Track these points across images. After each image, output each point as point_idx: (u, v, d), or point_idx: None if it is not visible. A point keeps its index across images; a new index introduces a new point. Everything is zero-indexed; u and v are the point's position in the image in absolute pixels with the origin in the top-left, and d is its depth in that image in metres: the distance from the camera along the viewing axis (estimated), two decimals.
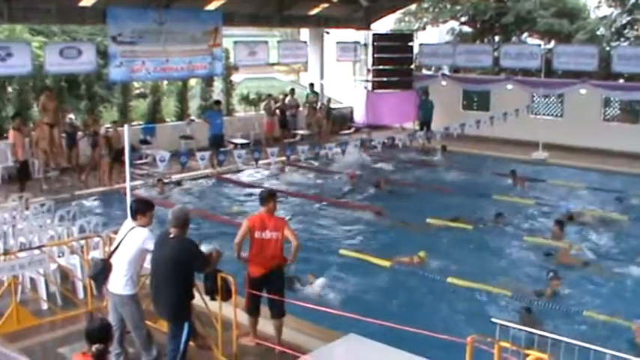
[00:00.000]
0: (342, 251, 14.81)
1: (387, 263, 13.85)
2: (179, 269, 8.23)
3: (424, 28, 37.39)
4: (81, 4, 22.34)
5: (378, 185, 20.71)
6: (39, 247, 11.18)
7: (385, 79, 31.40)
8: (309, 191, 20.71)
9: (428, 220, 17.08)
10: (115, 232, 10.49)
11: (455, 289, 12.73)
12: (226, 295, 8.95)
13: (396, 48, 31.50)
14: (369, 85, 31.51)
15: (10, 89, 24.54)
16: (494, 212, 17.40)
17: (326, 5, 29.48)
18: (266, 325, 10.08)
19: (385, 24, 34.76)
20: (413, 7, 35.90)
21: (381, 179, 20.97)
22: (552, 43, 31.53)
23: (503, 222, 16.96)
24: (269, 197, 9.76)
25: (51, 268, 11.47)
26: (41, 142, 20.07)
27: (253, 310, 9.76)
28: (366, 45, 31.96)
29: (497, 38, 36.03)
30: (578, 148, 26.01)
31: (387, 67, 31.44)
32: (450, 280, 13.00)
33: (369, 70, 31.74)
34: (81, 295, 11.63)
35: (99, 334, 6.56)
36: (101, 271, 8.61)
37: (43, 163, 20.07)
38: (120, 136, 19.57)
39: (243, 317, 9.87)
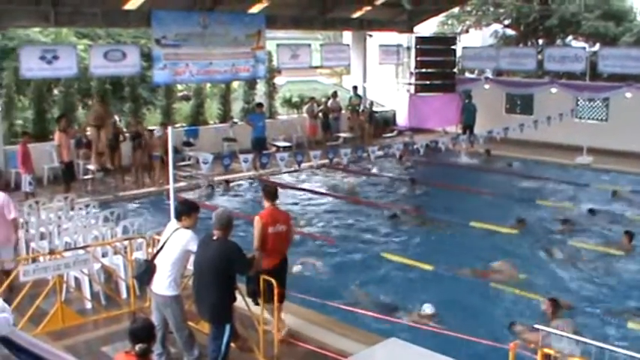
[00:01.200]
0: (383, 254, 14.75)
1: (429, 267, 13.77)
2: (221, 271, 8.26)
3: (467, 31, 37.15)
4: (126, 7, 22.54)
5: (413, 182, 21.06)
6: (84, 247, 11.31)
7: (428, 82, 31.31)
8: (350, 193, 20.68)
9: (471, 224, 16.95)
10: (159, 234, 10.59)
11: (498, 293, 12.62)
12: (268, 298, 8.96)
13: (438, 51, 31.41)
14: (412, 89, 31.44)
15: (55, 91, 24.84)
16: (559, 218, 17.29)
17: (369, 8, 29.43)
18: (303, 325, 10.10)
19: (428, 27, 34.65)
20: (456, 10, 35.70)
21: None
22: (597, 46, 31.09)
23: (570, 229, 16.66)
24: (276, 192, 10.25)
25: (95, 268, 11.60)
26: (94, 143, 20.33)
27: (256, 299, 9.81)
28: (408, 48, 31.84)
29: (540, 41, 35.64)
30: (624, 153, 25.65)
31: (429, 70, 31.34)
32: (493, 284, 12.88)
33: (411, 74, 31.66)
34: (124, 295, 11.74)
35: (142, 333, 6.61)
36: (145, 272, 8.69)
37: (97, 164, 20.25)
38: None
39: (286, 320, 9.90)
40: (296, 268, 13.36)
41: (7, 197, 12.20)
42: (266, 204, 10.06)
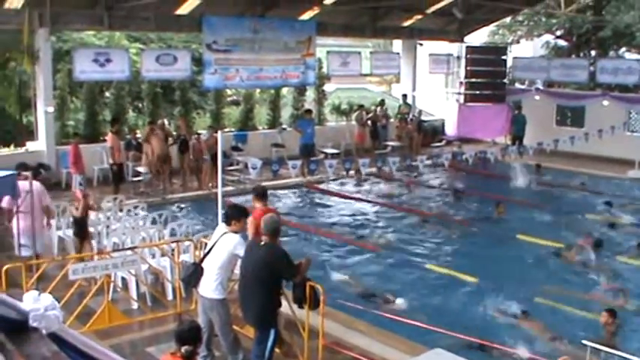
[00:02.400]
0: (428, 265, 14.66)
1: (473, 279, 13.63)
2: (268, 276, 8.27)
3: (518, 42, 36.92)
4: (178, 12, 22.78)
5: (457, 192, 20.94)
6: (132, 249, 11.42)
7: (477, 92, 31.12)
8: (397, 202, 20.60)
9: (517, 236, 16.75)
10: (206, 237, 10.65)
11: (543, 307, 12.43)
12: (314, 304, 8.96)
13: (489, 61, 31.19)
14: (461, 98, 31.26)
15: (107, 94, 25.14)
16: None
17: (419, 17, 29.38)
18: (347, 333, 10.07)
19: (479, 37, 34.48)
20: (507, 19, 35.46)
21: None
22: None
23: None
24: (266, 192, 10.77)
25: (142, 269, 11.69)
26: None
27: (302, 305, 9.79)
28: (459, 57, 31.69)
29: (593, 53, 35.25)
30: None
31: (479, 80, 31.13)
32: (538, 299, 12.70)
33: (461, 83, 31.48)
34: (170, 296, 11.82)
35: (188, 335, 6.66)
36: (193, 275, 8.74)
37: (154, 168, 20.42)
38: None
39: (330, 327, 9.89)
40: (338, 276, 13.38)
41: (42, 186, 12.97)
42: (257, 204, 10.45)
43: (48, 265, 11.14)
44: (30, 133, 21.63)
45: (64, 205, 15.27)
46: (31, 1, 19.39)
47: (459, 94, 31.48)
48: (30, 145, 20.97)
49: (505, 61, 31.71)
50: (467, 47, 31.28)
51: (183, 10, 22.71)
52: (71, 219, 13.33)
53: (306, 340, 9.23)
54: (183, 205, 19.31)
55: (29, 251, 12.34)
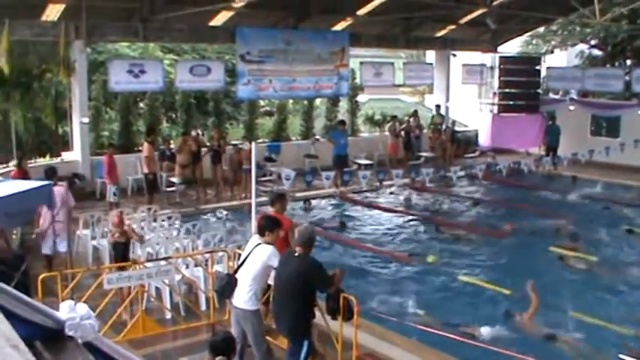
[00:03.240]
0: (460, 277, 14.54)
1: (506, 291, 13.50)
2: (302, 287, 8.25)
3: (552, 51, 36.64)
4: (211, 23, 22.93)
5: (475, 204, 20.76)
6: (166, 259, 11.46)
7: (511, 102, 30.93)
8: (431, 214, 20.50)
9: (550, 248, 16.57)
10: (240, 248, 10.67)
11: (577, 322, 12.22)
12: (348, 316, 8.92)
13: (523, 71, 31.01)
14: (495, 109, 31.10)
15: (141, 104, 25.32)
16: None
17: (453, 27, 29.32)
18: (380, 344, 10.03)
19: (512, 46, 34.31)
20: (541, 29, 35.20)
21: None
22: None
23: None
24: (277, 199, 10.51)
25: (176, 279, 11.73)
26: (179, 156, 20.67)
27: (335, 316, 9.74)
28: (492, 68, 31.57)
29: (629, 62, 34.87)
30: None
31: (513, 90, 30.94)
32: (573, 313, 12.51)
33: (494, 93, 31.34)
34: (203, 307, 11.83)
35: (222, 346, 6.65)
36: (227, 285, 8.75)
37: (180, 177, 20.55)
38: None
39: (364, 338, 9.84)
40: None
41: (65, 189, 13.34)
42: (270, 208, 10.62)
43: (83, 275, 11.21)
44: (65, 144, 21.84)
45: (99, 215, 15.38)
46: (68, 14, 19.63)
47: (493, 104, 31.33)
48: (65, 155, 21.17)
49: (539, 71, 31.53)
50: (500, 57, 31.13)
51: (216, 21, 22.87)
52: (108, 242, 12.69)
53: (339, 351, 9.21)
54: (219, 215, 19.35)
55: (63, 249, 13.10)
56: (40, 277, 9.84)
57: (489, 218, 20.24)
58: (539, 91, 31.60)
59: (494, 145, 30.26)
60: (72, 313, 2.54)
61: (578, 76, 30.54)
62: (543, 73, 31.82)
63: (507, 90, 30.92)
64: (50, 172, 15.22)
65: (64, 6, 19.51)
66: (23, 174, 15.65)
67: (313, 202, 21.25)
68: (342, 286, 8.86)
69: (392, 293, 13.44)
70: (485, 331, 11.29)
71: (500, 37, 31.34)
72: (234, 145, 22.16)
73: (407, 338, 10.53)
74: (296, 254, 8.37)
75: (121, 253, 11.28)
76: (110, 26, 21.23)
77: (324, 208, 21.29)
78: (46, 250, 13.17)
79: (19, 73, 18.81)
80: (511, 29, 31.08)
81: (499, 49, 31.87)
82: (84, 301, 2.92)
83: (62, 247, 13.20)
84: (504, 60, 31.08)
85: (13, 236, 14.41)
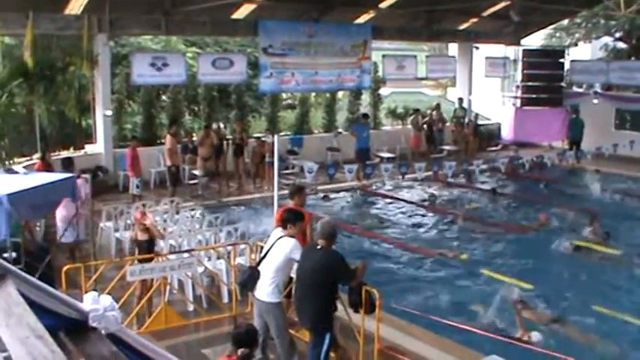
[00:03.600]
0: (484, 271, 14.47)
1: (529, 286, 13.41)
2: (323, 280, 8.25)
3: (576, 44, 36.30)
4: (234, 16, 22.95)
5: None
6: (188, 251, 11.49)
7: (534, 95, 30.74)
8: (454, 207, 20.39)
9: (574, 242, 16.42)
10: (262, 240, 10.67)
11: (600, 317, 12.12)
12: (370, 309, 8.91)
13: (546, 64, 30.78)
14: (518, 102, 30.93)
15: (164, 97, 25.39)
16: None
17: (475, 20, 29.18)
18: (402, 338, 10.02)
19: (536, 39, 34.09)
20: (565, 22, 34.95)
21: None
22: None
23: None
24: (296, 192, 10.52)
25: (198, 272, 11.76)
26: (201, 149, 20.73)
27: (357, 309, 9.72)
28: (515, 61, 31.39)
29: None
30: None
31: (536, 83, 30.77)
32: (596, 307, 12.41)
33: (517, 87, 31.16)
34: (225, 299, 11.85)
35: (245, 338, 6.66)
36: (249, 278, 8.76)
37: (203, 170, 20.61)
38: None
39: (386, 331, 9.83)
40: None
41: (83, 181, 14.01)
42: (289, 201, 10.55)
43: (106, 267, 11.26)
44: (89, 136, 21.94)
45: (122, 207, 15.44)
46: (91, 7, 19.71)
47: (516, 97, 31.17)
48: (88, 148, 21.29)
49: (562, 64, 31.28)
50: (523, 50, 30.95)
51: (239, 14, 22.88)
52: (131, 240, 12.46)
53: (361, 344, 9.20)
54: (240, 208, 19.40)
55: (71, 238, 13.41)
56: (64, 268, 9.89)
57: (513, 212, 20.13)
58: (563, 84, 31.37)
59: (517, 138, 30.08)
60: (95, 304, 2.54)
61: (602, 69, 30.27)
62: (567, 66, 31.54)
63: (530, 83, 30.75)
64: (67, 163, 15.46)
65: None
66: (47, 166, 15.74)
67: (334, 195, 21.25)
68: (364, 279, 8.84)
69: (414, 286, 13.43)
70: (502, 324, 11.26)
71: (523, 30, 31.16)
72: (256, 138, 22.17)
73: (429, 332, 10.50)
74: (318, 247, 8.37)
75: (146, 250, 11.06)
76: (133, 19, 21.33)
77: (347, 201, 21.28)
78: (67, 238, 13.31)
79: (43, 66, 18.88)
80: (534, 22, 30.91)
81: (522, 41, 31.68)
82: (107, 293, 2.93)
83: (70, 237, 13.47)
84: (528, 53, 30.89)
85: (37, 228, 14.50)
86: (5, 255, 10.01)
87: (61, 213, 13.24)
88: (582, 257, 15.52)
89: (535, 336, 10.62)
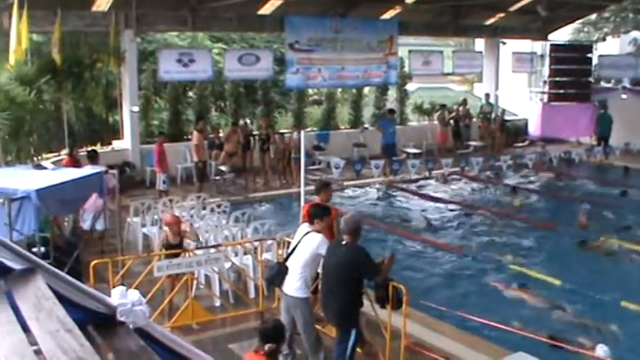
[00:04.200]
0: (511, 266, 14.39)
1: (557, 281, 13.34)
2: (349, 276, 8.24)
3: (604, 39, 35.96)
4: (260, 12, 22.98)
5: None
6: (215, 246, 11.52)
7: (562, 91, 30.50)
8: (479, 203, 20.30)
9: (602, 239, 16.29)
10: (289, 236, 10.68)
11: (627, 312, 12.00)
12: (397, 305, 8.89)
13: (574, 59, 30.53)
14: (545, 97, 30.73)
15: (190, 93, 25.49)
16: None
17: (502, 15, 29.03)
18: (429, 334, 9.99)
19: (563, 34, 33.85)
20: (593, 16, 34.66)
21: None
22: None
23: None
24: (322, 187, 10.39)
25: (225, 267, 11.79)
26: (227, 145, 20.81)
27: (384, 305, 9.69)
28: (542, 56, 31.17)
29: None
30: None
31: (564, 78, 30.53)
32: (624, 303, 12.29)
33: (545, 82, 30.94)
34: (252, 294, 11.88)
35: (272, 333, 6.67)
36: (277, 274, 8.77)
37: (229, 165, 20.69)
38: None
39: (413, 328, 9.81)
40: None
41: (110, 176, 13.62)
42: (315, 197, 10.54)
43: (133, 262, 11.32)
44: (116, 132, 22.08)
45: (149, 202, 15.51)
46: (118, 4, 19.82)
47: (543, 93, 30.95)
48: (116, 144, 21.43)
49: (590, 59, 31.00)
50: (551, 45, 30.72)
51: (265, 10, 22.92)
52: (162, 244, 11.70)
53: (388, 340, 9.18)
54: (266, 204, 19.44)
55: (88, 225, 13.41)
56: (92, 263, 9.95)
57: (540, 208, 20.00)
58: (591, 79, 31.11)
59: (544, 134, 29.89)
60: (123, 299, 2.56)
61: (631, 64, 30.08)
62: (595, 61, 31.28)
63: (558, 78, 30.51)
64: (92, 155, 15.66)
65: None
66: (74, 162, 15.85)
67: (360, 190, 21.27)
68: (390, 274, 8.83)
69: (441, 282, 13.43)
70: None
71: (550, 25, 30.96)
72: (281, 133, 22.20)
73: (456, 328, 10.47)
74: (343, 242, 8.36)
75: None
76: (159, 16, 21.42)
77: (373, 196, 21.26)
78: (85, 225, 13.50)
79: (70, 63, 19.00)
80: (562, 16, 30.69)
81: (550, 36, 31.46)
82: (134, 288, 2.96)
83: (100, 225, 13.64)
84: (555, 48, 30.66)
85: (65, 223, 14.61)
86: (34, 249, 10.08)
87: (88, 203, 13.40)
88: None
89: (602, 349, 9.81)
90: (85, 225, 13.28)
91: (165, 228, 11.24)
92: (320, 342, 8.89)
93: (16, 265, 2.39)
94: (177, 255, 10.69)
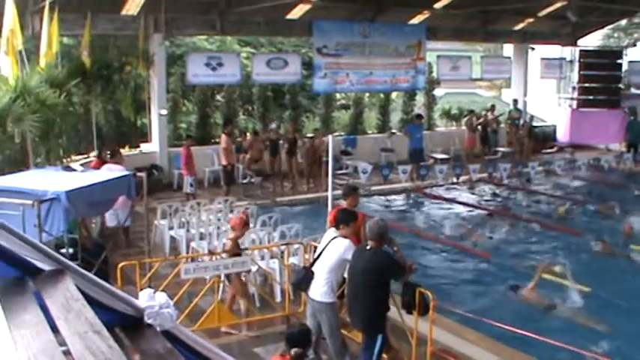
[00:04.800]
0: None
1: (586, 289, 13.21)
2: (375, 281, 8.22)
3: (634, 45, 35.72)
4: (288, 16, 23.04)
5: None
6: (243, 250, 11.52)
7: (591, 97, 30.34)
8: (507, 208, 20.19)
9: (631, 247, 16.13)
10: (316, 240, 10.67)
11: None
12: (424, 310, 8.85)
13: (603, 65, 30.33)
14: (574, 103, 30.55)
15: (218, 97, 25.59)
16: None
17: (531, 20, 28.90)
18: (455, 341, 9.95)
19: (593, 40, 33.64)
20: (623, 22, 34.45)
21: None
22: None
23: None
24: (349, 192, 10.34)
25: (252, 270, 11.80)
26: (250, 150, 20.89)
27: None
28: (571, 62, 30.99)
29: None
30: None
31: (593, 84, 30.35)
32: None
33: (574, 88, 30.77)
34: (278, 298, 11.88)
35: (299, 338, 6.68)
36: (303, 279, 8.78)
37: (253, 170, 20.76)
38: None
39: (439, 334, 9.76)
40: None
41: (119, 166, 14.39)
42: (342, 202, 10.55)
43: (160, 264, 11.37)
44: (144, 135, 22.21)
45: (176, 205, 15.57)
46: (147, 8, 19.95)
47: (572, 99, 30.79)
48: (144, 147, 21.54)
49: (620, 65, 30.80)
50: (580, 51, 30.55)
51: (293, 14, 22.97)
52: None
53: (414, 346, 9.14)
54: (294, 208, 19.43)
55: (115, 222, 13.87)
56: (119, 265, 10.00)
57: (573, 215, 19.82)
58: (621, 85, 30.88)
59: (573, 140, 29.73)
60: (151, 301, 2.56)
61: None
62: (625, 67, 31.07)
63: (587, 84, 30.35)
64: (113, 152, 15.84)
65: (143, 0, 19.84)
66: (103, 164, 15.94)
67: (389, 194, 21.26)
68: (412, 278, 8.80)
69: (469, 289, 13.34)
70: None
71: (580, 30, 30.77)
72: (310, 137, 22.18)
73: (483, 335, 10.41)
74: (368, 247, 8.34)
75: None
76: (188, 20, 21.53)
77: (400, 201, 21.21)
78: (111, 222, 13.62)
79: (100, 66, 19.17)
80: (592, 22, 30.49)
81: (579, 42, 31.27)
82: (161, 290, 2.97)
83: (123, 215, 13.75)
84: (584, 54, 30.49)
85: (92, 225, 14.70)
86: (62, 251, 10.15)
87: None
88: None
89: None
90: (113, 222, 13.38)
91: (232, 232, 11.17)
92: (346, 347, 8.88)
93: (45, 266, 2.40)
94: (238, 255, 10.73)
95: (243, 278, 10.91)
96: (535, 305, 12.17)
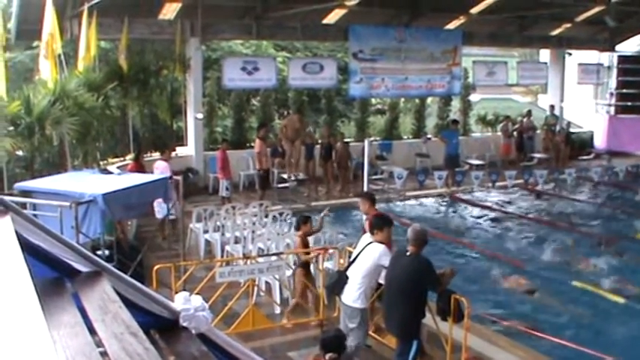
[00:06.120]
0: (574, 283, 14.13)
1: (620, 299, 13.06)
2: (412, 287, 8.19)
3: None
4: (324, 21, 23.08)
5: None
6: (278, 254, 11.54)
7: (629, 103, 30.07)
8: (545, 216, 20.02)
9: None
10: (351, 245, 10.66)
11: None
12: (458, 317, 8.80)
13: None
14: (612, 110, 30.26)
15: (254, 101, 25.68)
16: None
17: (568, 25, 28.69)
18: (488, 347, 9.90)
19: (631, 45, 33.28)
20: None
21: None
22: None
23: None
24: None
25: (286, 275, 11.81)
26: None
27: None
28: (609, 67, 30.70)
29: None
30: None
31: (631, 90, 30.05)
32: None
33: (611, 94, 30.48)
34: (312, 302, 11.87)
35: (334, 343, 6.66)
36: (337, 283, 8.79)
37: (291, 173, 20.84)
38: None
39: (474, 341, 9.71)
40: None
41: (166, 164, 15.17)
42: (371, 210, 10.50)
43: (195, 268, 11.42)
44: (180, 139, 22.34)
45: (211, 209, 15.62)
46: (184, 12, 20.11)
47: (609, 105, 30.53)
48: (180, 150, 21.64)
49: None
50: (618, 56, 30.31)
51: (329, 19, 23.02)
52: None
53: (448, 353, 9.09)
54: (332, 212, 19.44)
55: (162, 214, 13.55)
56: (155, 267, 10.05)
57: (605, 223, 19.61)
58: None
59: (611, 147, 29.45)
60: (187, 304, 2.58)
61: None
62: None
63: (625, 90, 30.09)
64: (136, 156, 16.39)
65: (180, 5, 20.01)
66: (139, 167, 16.05)
67: (424, 200, 21.22)
68: (450, 286, 8.75)
69: (503, 297, 13.25)
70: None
71: (618, 36, 30.45)
72: (345, 142, 22.16)
73: (517, 343, 10.33)
74: (407, 253, 8.32)
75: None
76: (225, 24, 21.66)
77: (435, 207, 21.15)
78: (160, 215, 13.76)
79: (136, 69, 19.34)
80: (630, 27, 30.15)
81: (617, 47, 30.97)
82: (196, 293, 2.99)
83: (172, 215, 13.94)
84: (623, 59, 30.23)
85: (128, 227, 14.80)
86: (99, 252, 10.24)
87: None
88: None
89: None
90: (160, 214, 13.42)
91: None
92: (359, 351, 8.89)
93: (82, 268, 2.42)
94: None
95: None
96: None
